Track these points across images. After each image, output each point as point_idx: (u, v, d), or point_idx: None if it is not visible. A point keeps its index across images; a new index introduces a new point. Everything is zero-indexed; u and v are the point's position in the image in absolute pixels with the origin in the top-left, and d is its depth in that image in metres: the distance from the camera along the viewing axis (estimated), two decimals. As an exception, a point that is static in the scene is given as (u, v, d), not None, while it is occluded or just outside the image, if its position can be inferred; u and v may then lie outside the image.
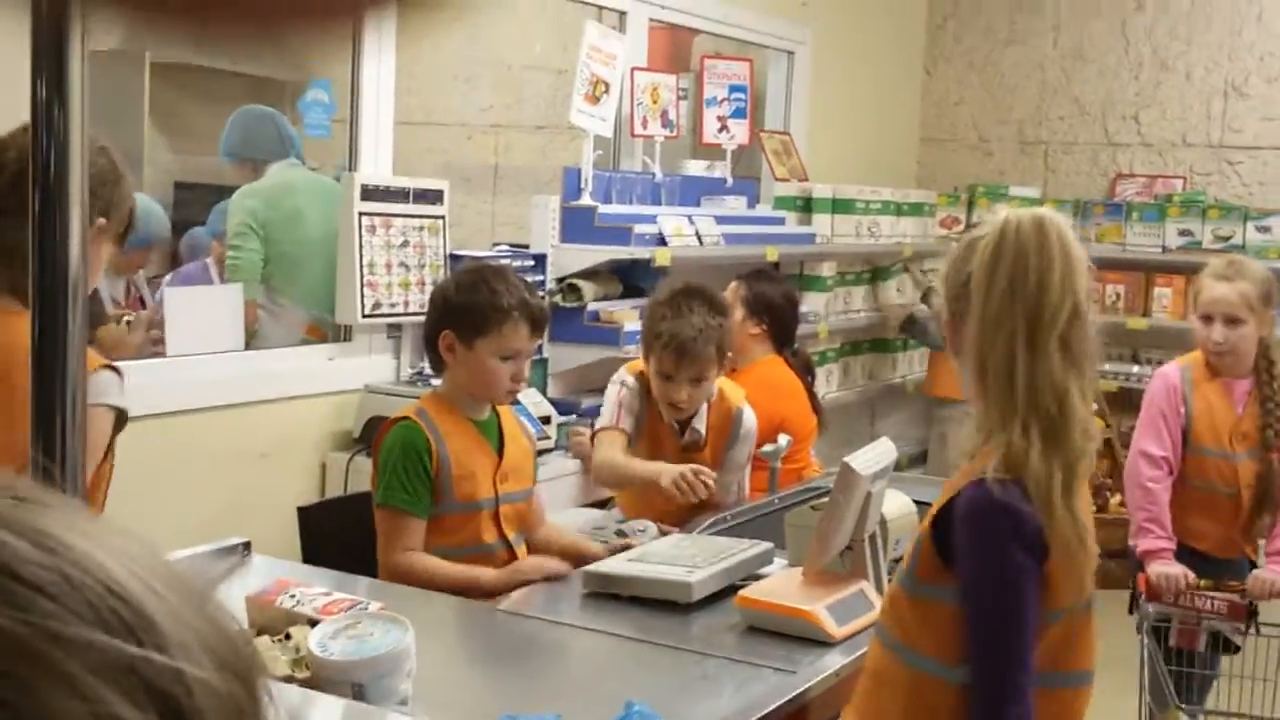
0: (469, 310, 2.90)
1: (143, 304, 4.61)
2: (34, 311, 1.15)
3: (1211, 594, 3.56)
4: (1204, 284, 3.71)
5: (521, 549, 3.00)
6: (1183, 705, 3.54)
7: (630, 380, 3.51)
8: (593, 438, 3.59)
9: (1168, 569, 3.57)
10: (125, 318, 4.26)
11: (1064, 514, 1.82)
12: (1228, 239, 6.49)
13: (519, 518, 3.01)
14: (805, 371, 4.36)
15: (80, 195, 1.13)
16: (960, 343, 1.94)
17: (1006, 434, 1.84)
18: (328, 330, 4.34)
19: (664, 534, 3.21)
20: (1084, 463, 1.86)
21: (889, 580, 2.64)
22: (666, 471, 3.15)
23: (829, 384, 6.07)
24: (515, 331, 2.90)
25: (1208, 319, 3.67)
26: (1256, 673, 3.61)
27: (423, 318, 4.27)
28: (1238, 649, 3.63)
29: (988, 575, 1.82)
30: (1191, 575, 3.58)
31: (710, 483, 3.15)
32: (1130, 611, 3.67)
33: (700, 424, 3.47)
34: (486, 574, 2.81)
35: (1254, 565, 3.70)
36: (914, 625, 1.90)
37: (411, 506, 2.83)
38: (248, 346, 4.25)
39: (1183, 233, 6.58)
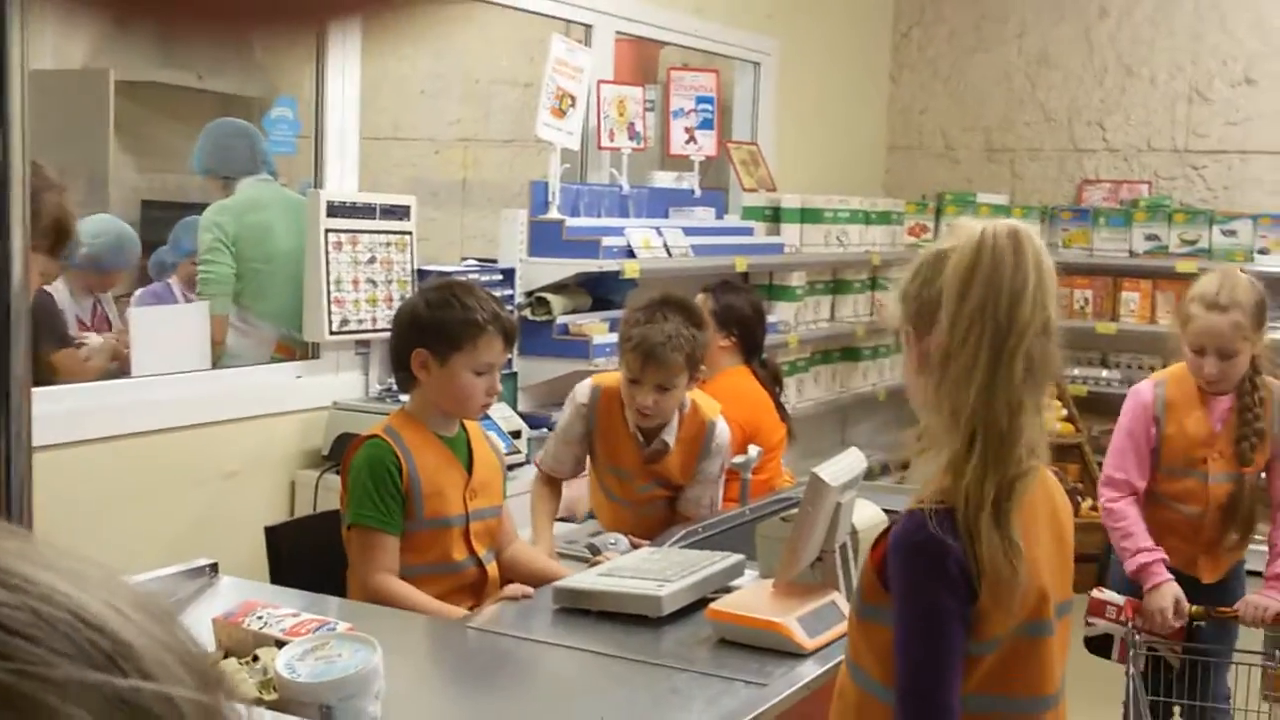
0: (442, 327, 2.88)
1: (109, 324, 4.58)
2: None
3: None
4: (1193, 312, 3.40)
5: (492, 566, 2.98)
6: None
7: (584, 392, 3.51)
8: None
9: (1162, 601, 3.39)
10: (82, 342, 4.24)
11: (993, 539, 1.76)
12: (1194, 243, 6.53)
13: (489, 534, 2.99)
14: (773, 382, 4.36)
15: (22, 217, 1.12)
16: (920, 356, 1.93)
17: (950, 447, 1.82)
18: (297, 348, 4.32)
19: (635, 547, 3.21)
20: (1024, 481, 1.81)
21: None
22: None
23: (800, 393, 6.07)
24: (490, 345, 2.89)
25: (1199, 351, 3.42)
26: (1238, 703, 3.44)
27: (390, 334, 4.29)
28: (1171, 669, 3.47)
29: (912, 611, 1.80)
30: (1183, 603, 3.41)
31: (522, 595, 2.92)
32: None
33: (669, 435, 3.46)
34: (457, 612, 2.79)
35: (1200, 585, 3.51)
36: (861, 646, 1.90)
37: (384, 525, 2.81)
38: (217, 363, 4.23)
39: (1149, 237, 6.63)
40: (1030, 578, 1.81)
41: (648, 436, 3.47)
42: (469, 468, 2.96)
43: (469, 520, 2.91)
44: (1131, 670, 3.31)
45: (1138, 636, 3.38)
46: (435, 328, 2.89)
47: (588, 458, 3.57)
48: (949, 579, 1.77)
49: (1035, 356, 1.80)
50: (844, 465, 2.60)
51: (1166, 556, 3.45)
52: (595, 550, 3.22)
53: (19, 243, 1.12)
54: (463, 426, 3.00)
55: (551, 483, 3.55)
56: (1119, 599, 3.47)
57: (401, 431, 2.89)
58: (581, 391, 3.54)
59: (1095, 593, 3.51)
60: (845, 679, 1.94)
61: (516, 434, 4.14)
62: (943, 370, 1.83)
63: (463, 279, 3.07)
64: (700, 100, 5.66)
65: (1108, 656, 3.49)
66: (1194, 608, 3.43)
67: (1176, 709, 3.54)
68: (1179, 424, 3.51)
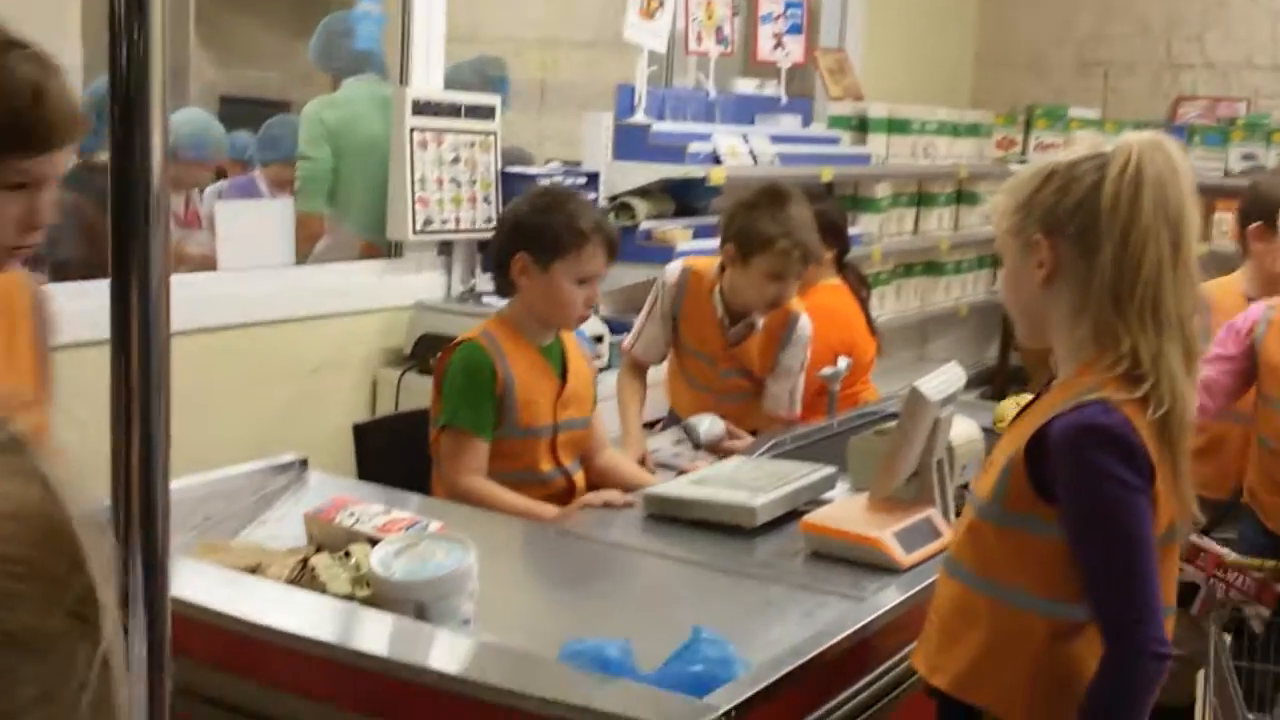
0: (545, 232, 2.83)
1: (199, 219, 4.58)
2: (112, 239, 1.11)
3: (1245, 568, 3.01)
4: None
5: (578, 475, 2.96)
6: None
7: (674, 273, 3.54)
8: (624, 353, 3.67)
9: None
10: None
11: (1178, 419, 1.80)
12: (1293, 163, 6.34)
13: (576, 445, 2.97)
14: (861, 286, 4.30)
15: (161, 114, 1.08)
16: (1055, 264, 1.86)
17: (1136, 352, 1.80)
18: (383, 251, 4.29)
19: (730, 434, 3.32)
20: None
21: (957, 508, 2.60)
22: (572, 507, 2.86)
23: (881, 306, 5.97)
24: (593, 255, 2.84)
25: None
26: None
27: (474, 235, 4.26)
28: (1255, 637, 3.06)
29: (1098, 501, 1.77)
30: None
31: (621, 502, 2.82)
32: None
33: (757, 319, 3.45)
34: (548, 511, 2.78)
35: None
36: (1000, 558, 1.85)
37: (477, 428, 2.79)
38: (308, 261, 4.22)
39: (1246, 156, 6.43)
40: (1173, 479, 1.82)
41: (733, 320, 3.45)
42: (562, 378, 2.92)
43: (557, 431, 2.89)
44: (1213, 630, 2.97)
45: (1220, 593, 3.02)
46: (538, 233, 2.84)
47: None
48: (1133, 461, 1.76)
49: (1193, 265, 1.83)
50: (944, 380, 2.54)
51: None
52: (690, 430, 3.28)
53: (159, 138, 1.08)
54: (558, 336, 2.96)
55: (638, 373, 3.58)
56: (1215, 547, 3.05)
57: (498, 337, 2.86)
58: (671, 272, 3.55)
59: (1194, 538, 3.21)
60: (966, 597, 1.89)
61: (599, 339, 4.10)
62: (1116, 286, 1.80)
63: (568, 188, 3.02)
64: (789, 5, 5.52)
65: (1188, 608, 3.08)
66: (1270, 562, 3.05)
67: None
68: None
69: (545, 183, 4.03)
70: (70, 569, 0.53)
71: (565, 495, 2.92)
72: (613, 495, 2.80)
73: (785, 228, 3.30)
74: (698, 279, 3.51)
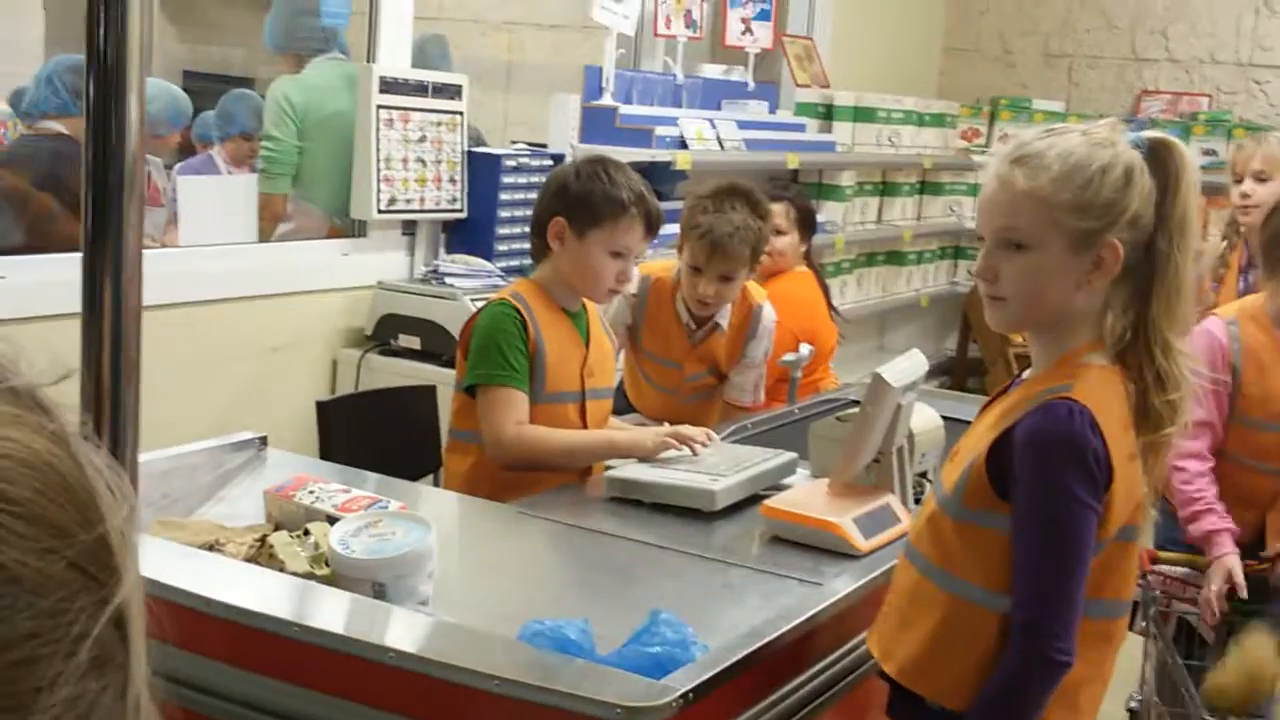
0: (586, 199, 2.80)
1: (160, 195, 4.53)
2: (87, 203, 1.10)
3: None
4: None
5: None
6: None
7: (631, 285, 3.46)
8: None
9: (1235, 564, 2.92)
10: None
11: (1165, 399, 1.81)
12: (1253, 160, 6.38)
13: (603, 415, 2.94)
14: (820, 281, 4.31)
15: (139, 83, 1.07)
16: (1090, 263, 1.83)
17: (1111, 343, 1.82)
18: (347, 232, 4.26)
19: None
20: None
21: (916, 495, 2.62)
22: (648, 436, 2.86)
23: (841, 295, 5.99)
24: (630, 229, 2.81)
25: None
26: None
27: (438, 215, 4.24)
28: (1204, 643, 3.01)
29: (1047, 504, 1.77)
30: (1239, 581, 2.92)
31: (705, 440, 2.83)
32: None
33: (722, 319, 3.44)
34: (619, 437, 2.78)
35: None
36: (956, 550, 1.86)
37: (516, 382, 2.73)
38: (270, 242, 4.18)
39: (1207, 152, 6.47)
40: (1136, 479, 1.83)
41: (698, 324, 3.44)
42: (586, 345, 2.91)
43: (585, 398, 2.87)
44: (1153, 631, 2.93)
45: (1156, 593, 2.99)
46: (579, 198, 2.81)
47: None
48: (1089, 472, 1.75)
49: None
50: (906, 367, 2.55)
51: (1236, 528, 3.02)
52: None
53: (135, 113, 1.07)
54: (584, 304, 2.94)
55: None
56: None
57: (528, 298, 2.83)
58: (630, 282, 3.51)
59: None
60: (921, 585, 1.90)
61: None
62: (1171, 278, 1.82)
63: (616, 159, 2.96)
64: (757, -10, 5.52)
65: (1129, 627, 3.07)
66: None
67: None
68: (1258, 365, 3.06)
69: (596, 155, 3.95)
70: (79, 524, 0.53)
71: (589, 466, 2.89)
72: (698, 432, 2.80)
73: (708, 220, 3.28)
74: (658, 286, 3.48)
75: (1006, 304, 1.89)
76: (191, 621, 1.86)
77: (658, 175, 4.75)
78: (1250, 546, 3.07)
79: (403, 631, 1.85)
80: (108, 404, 1.14)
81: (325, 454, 3.00)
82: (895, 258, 6.49)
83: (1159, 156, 1.83)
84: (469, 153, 4.29)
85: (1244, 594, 2.93)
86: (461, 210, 4.29)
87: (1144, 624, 2.94)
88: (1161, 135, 1.87)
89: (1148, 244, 1.82)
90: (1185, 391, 1.83)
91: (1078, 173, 1.81)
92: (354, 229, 4.22)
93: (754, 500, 2.58)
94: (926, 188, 6.58)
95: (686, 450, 2.76)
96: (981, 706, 1.80)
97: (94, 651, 0.52)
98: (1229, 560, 2.96)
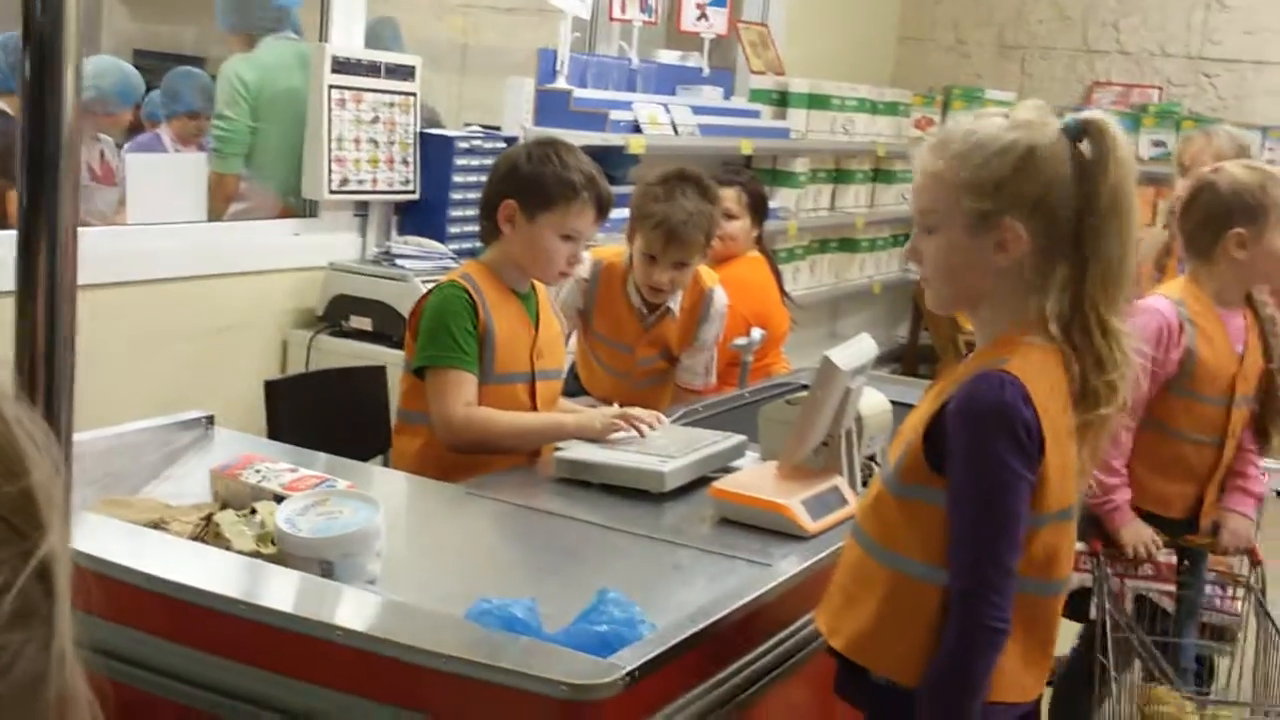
0: (538, 181, 2.79)
1: (112, 172, 4.48)
2: (22, 179, 1.09)
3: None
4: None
5: None
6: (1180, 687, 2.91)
7: (585, 267, 3.45)
8: None
9: (1139, 530, 3.03)
10: None
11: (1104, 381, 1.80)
12: (1201, 152, 6.45)
13: (553, 397, 2.94)
14: (773, 267, 4.33)
15: (75, 57, 1.06)
16: (1010, 241, 1.83)
17: (1041, 316, 1.81)
18: (299, 212, 4.23)
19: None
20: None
21: (863, 478, 2.63)
22: (596, 417, 2.86)
23: (794, 281, 6.02)
24: (581, 213, 2.81)
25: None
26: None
27: (390, 196, 4.22)
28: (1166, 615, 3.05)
29: (978, 475, 1.78)
30: (1156, 537, 3.05)
31: (654, 422, 2.85)
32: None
33: (674, 304, 3.44)
34: (567, 422, 2.78)
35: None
36: (898, 526, 1.87)
37: (464, 364, 2.73)
38: (222, 221, 4.15)
39: (1156, 144, 6.55)
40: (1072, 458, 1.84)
41: (650, 309, 3.44)
42: (536, 326, 2.90)
43: (535, 379, 2.87)
44: (1109, 607, 2.93)
45: (1110, 572, 2.99)
46: (530, 181, 2.80)
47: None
48: (1018, 443, 1.76)
49: None
50: (856, 351, 2.56)
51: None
52: None
53: (70, 91, 1.06)
54: (533, 285, 2.94)
55: None
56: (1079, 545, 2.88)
57: (478, 279, 2.82)
58: (582, 266, 3.49)
59: None
60: (865, 563, 1.91)
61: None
62: (1072, 250, 1.80)
63: (568, 142, 2.95)
64: (714, -24, 5.52)
65: (1086, 618, 3.05)
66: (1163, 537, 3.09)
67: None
68: (1208, 342, 3.06)
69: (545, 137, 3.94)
70: (2, 476, 0.53)
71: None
72: (647, 414, 2.80)
73: (661, 209, 3.28)
74: (610, 270, 3.48)
75: (929, 284, 1.93)
76: (137, 600, 1.85)
77: (611, 160, 4.74)
78: (1188, 521, 3.14)
79: (350, 610, 1.84)
80: (42, 381, 1.13)
81: (274, 434, 2.99)
82: (848, 244, 6.52)
83: (1089, 136, 1.82)
84: (422, 134, 4.27)
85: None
86: (414, 191, 4.28)
87: (1098, 606, 2.96)
88: (1092, 115, 1.85)
89: (1077, 223, 1.81)
90: (1125, 372, 1.83)
91: (976, 152, 1.82)
92: (305, 209, 4.20)
93: (703, 482, 2.59)
94: (880, 175, 6.61)
95: (635, 432, 2.77)
96: (929, 683, 1.81)
97: (17, 603, 0.51)
98: (1139, 522, 3.07)
